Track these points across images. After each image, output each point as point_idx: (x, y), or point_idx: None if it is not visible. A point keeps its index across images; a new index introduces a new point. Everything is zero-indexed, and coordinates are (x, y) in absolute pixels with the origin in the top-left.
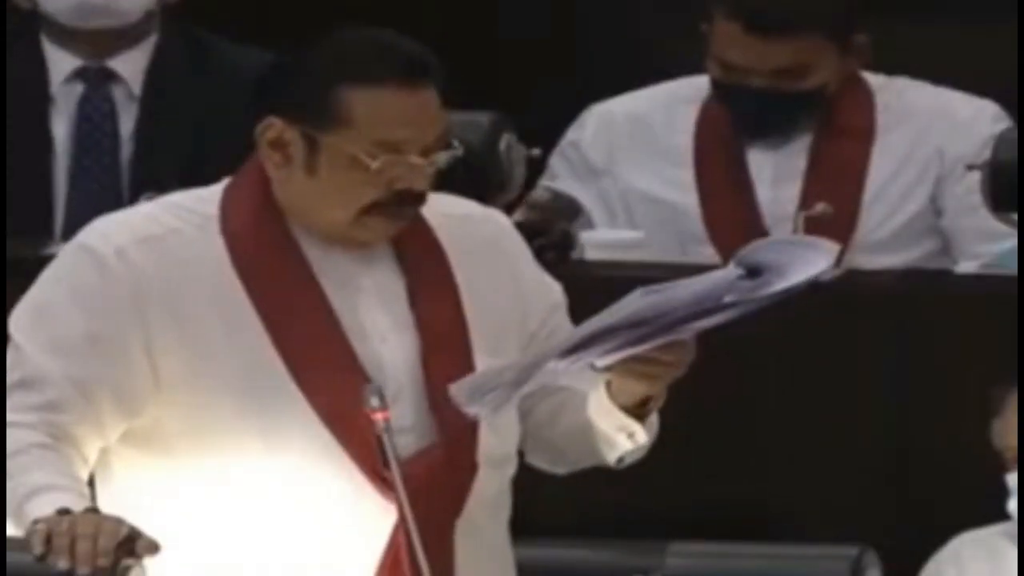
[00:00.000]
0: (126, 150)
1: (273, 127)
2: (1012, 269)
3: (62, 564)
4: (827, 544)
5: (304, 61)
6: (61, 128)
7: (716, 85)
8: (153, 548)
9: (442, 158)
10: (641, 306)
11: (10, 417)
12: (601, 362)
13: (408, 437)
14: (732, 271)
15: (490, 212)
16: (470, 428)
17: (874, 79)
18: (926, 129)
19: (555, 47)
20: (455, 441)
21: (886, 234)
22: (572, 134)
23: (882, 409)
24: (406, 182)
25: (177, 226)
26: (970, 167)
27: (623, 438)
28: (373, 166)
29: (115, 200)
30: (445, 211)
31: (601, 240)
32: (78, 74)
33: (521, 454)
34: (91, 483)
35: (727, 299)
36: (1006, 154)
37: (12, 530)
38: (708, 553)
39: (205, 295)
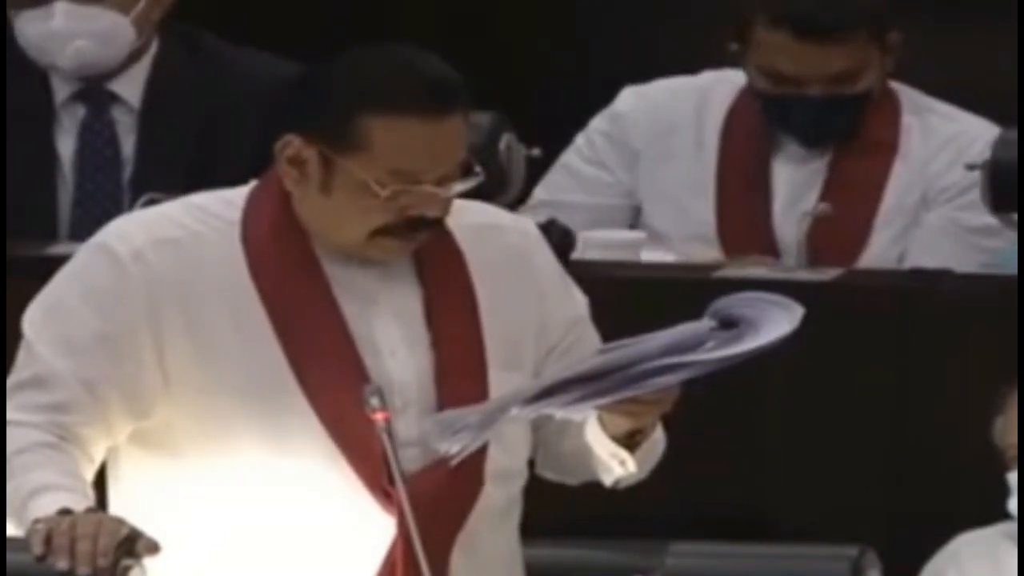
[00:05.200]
0: (128, 170)
1: (292, 144)
2: (1012, 269)
3: (62, 564)
4: (827, 544)
5: (328, 81)
6: (66, 147)
7: (767, 98)
8: (153, 548)
9: (460, 186)
10: (604, 360)
11: (18, 416)
12: (561, 413)
13: (413, 450)
14: (705, 323)
15: (519, 222)
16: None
17: (900, 90)
18: (938, 157)
19: (555, 47)
20: (462, 458)
21: (894, 255)
22: (619, 106)
23: (882, 409)
24: (419, 209)
25: (198, 230)
26: (970, 167)
27: (615, 464)
28: (383, 194)
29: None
30: (472, 220)
31: (601, 240)
32: (78, 95)
33: (532, 464)
34: (102, 481)
35: (699, 352)
36: (1006, 154)
37: (14, 529)
38: (708, 553)
39: (219, 300)
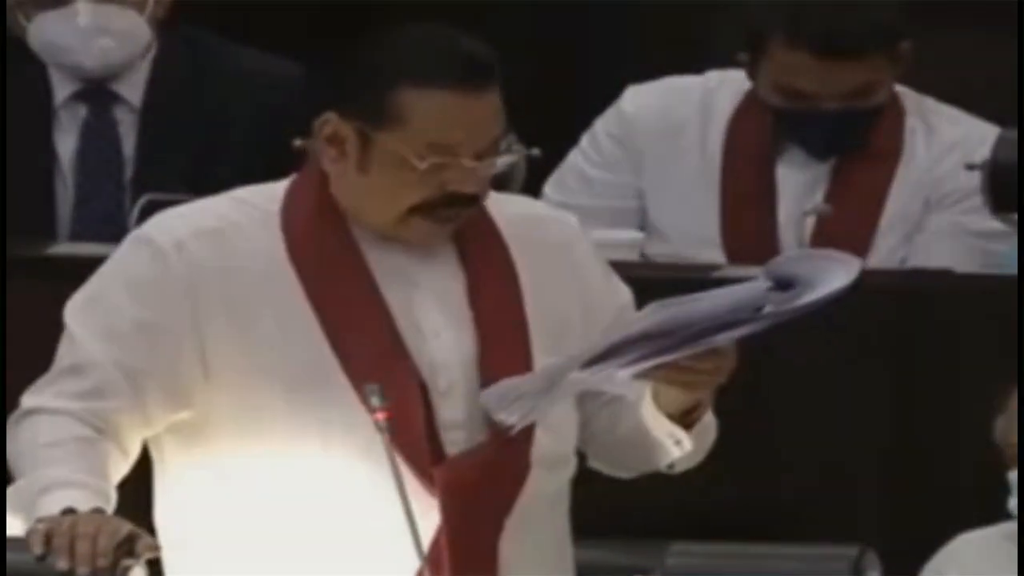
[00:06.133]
0: (129, 170)
1: (330, 122)
2: (1012, 269)
3: (61, 564)
4: (827, 544)
5: (365, 58)
6: (66, 146)
7: (782, 113)
8: (153, 548)
9: (498, 163)
10: (662, 318)
11: (54, 403)
12: (622, 373)
13: (459, 433)
14: (762, 283)
15: (559, 213)
16: (524, 427)
17: (904, 94)
18: (942, 161)
19: (555, 48)
20: (507, 440)
21: (898, 260)
22: (624, 105)
23: (882, 409)
24: (457, 184)
25: (238, 220)
26: (970, 167)
27: (671, 444)
28: (421, 167)
29: (120, 224)
30: (515, 212)
31: (601, 240)
32: (79, 95)
33: (583, 456)
34: (148, 475)
35: (758, 311)
36: (1006, 154)
37: (23, 526)
38: (708, 553)
39: (261, 289)
